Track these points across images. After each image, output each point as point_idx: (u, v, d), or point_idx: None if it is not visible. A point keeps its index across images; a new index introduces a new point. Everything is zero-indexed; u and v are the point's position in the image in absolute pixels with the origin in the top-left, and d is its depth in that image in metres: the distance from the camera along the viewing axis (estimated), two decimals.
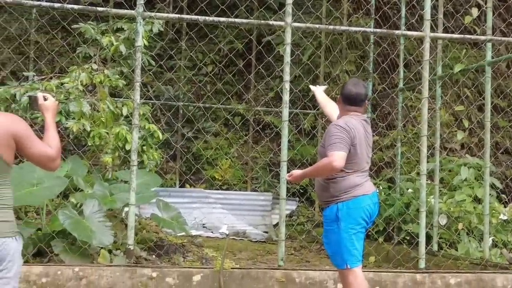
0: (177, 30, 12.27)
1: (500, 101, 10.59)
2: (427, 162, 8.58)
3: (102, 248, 6.29)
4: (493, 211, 8.05)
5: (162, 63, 7.97)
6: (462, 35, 6.84)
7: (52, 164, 3.40)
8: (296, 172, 5.23)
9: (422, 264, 6.33)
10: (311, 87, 5.94)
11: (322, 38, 11.34)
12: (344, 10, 10.97)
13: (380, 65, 9.21)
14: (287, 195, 10.88)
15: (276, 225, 10.60)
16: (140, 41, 6.19)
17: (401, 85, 9.00)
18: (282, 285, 5.96)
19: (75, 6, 6.14)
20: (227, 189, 11.58)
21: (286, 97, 6.32)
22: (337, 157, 4.83)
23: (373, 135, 10.51)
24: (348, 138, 4.89)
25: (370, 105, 9.82)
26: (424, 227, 6.40)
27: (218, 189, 11.35)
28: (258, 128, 11.15)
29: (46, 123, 3.55)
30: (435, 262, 7.13)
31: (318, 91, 5.84)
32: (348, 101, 5.12)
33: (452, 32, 7.93)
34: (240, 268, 6.08)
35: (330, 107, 5.63)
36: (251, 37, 9.58)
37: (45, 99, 3.64)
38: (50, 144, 3.40)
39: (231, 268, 6.00)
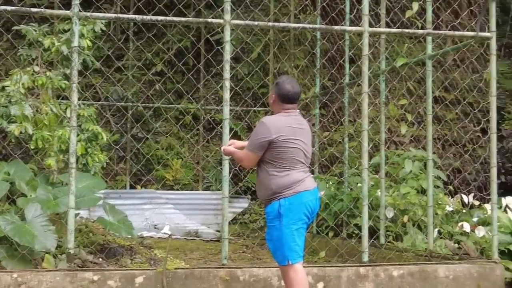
0: (126, 31, 12.17)
1: (447, 94, 10.75)
2: (375, 156, 8.69)
3: (47, 253, 6.21)
4: (439, 203, 8.15)
5: (99, 64, 7.83)
6: (400, 30, 6.86)
7: None
8: (230, 149, 5.41)
9: (365, 257, 6.35)
10: (223, 149, 5.61)
11: (270, 35, 11.36)
12: (291, 8, 10.99)
13: (332, 61, 9.24)
14: (238, 192, 10.98)
15: (229, 223, 10.60)
16: (76, 42, 6.10)
17: (346, 80, 9.04)
18: (226, 284, 5.94)
19: (8, 8, 6.02)
20: (179, 189, 11.53)
21: (226, 95, 6.29)
22: (245, 156, 5.16)
23: (324, 131, 10.73)
24: (266, 140, 5.00)
25: (318, 101, 9.84)
26: (366, 221, 6.43)
27: (169, 189, 11.29)
28: (201, 126, 11.10)
29: None
30: (381, 255, 7.18)
31: (237, 145, 5.54)
32: (287, 99, 5.20)
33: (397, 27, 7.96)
34: (184, 268, 6.04)
35: None
36: (189, 35, 9.51)
37: None
38: None
39: (175, 269, 5.96)
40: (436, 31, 7.07)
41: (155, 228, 10.23)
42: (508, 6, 14.32)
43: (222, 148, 5.57)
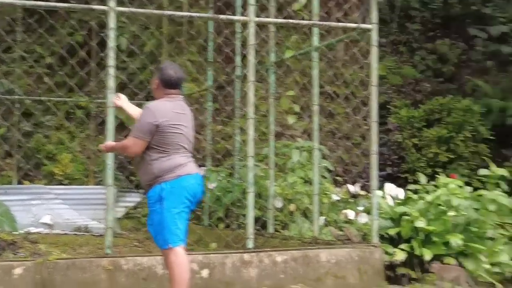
0: (13, 21, 11.76)
1: (336, 88, 11.01)
2: (264, 147, 8.79)
3: None
4: (325, 192, 8.34)
5: None
6: (286, 20, 6.98)
7: None
8: (110, 143, 5.54)
9: (250, 244, 6.40)
10: (116, 102, 5.89)
11: (164, 29, 11.28)
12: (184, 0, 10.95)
13: (225, 54, 9.22)
14: (130, 187, 10.81)
15: (122, 218, 10.46)
16: None
17: (238, 72, 9.09)
18: (109, 273, 5.84)
19: None
20: (68, 184, 11.25)
21: (111, 83, 6.18)
22: (133, 144, 5.10)
23: (217, 125, 10.76)
24: (153, 125, 5.00)
25: (211, 94, 9.83)
26: (252, 208, 6.47)
27: (59, 184, 11.01)
28: (87, 118, 10.88)
29: None
30: (268, 243, 7.27)
31: (125, 104, 5.83)
32: (170, 85, 5.25)
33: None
34: (65, 259, 5.89)
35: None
36: (74, 23, 9.31)
37: None
38: None
39: (56, 259, 5.81)
40: (321, 22, 7.22)
41: (42, 224, 9.93)
42: (396, 4, 14.83)
43: (102, 146, 5.58)
